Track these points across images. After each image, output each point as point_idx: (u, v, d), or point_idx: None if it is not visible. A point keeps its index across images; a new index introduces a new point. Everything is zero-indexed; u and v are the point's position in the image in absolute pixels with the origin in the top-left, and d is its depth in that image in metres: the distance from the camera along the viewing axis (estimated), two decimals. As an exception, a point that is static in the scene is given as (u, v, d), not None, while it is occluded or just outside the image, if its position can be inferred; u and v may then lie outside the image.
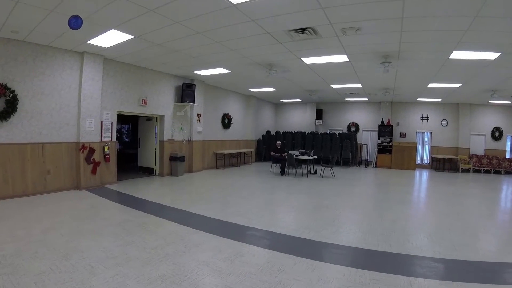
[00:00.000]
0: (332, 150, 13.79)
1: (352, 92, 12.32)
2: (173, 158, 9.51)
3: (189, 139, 10.45)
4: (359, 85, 10.56)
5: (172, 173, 9.57)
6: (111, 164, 7.76)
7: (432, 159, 14.07)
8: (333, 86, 10.91)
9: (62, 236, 3.90)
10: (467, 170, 13.16)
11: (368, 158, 15.06)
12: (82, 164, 6.99)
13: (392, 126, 14.34)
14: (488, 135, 13.63)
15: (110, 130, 7.69)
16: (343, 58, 6.93)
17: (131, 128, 13.61)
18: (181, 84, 9.70)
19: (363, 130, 15.57)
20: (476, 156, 13.35)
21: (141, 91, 8.61)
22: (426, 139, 14.67)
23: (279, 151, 11.03)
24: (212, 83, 11.30)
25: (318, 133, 15.29)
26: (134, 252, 3.45)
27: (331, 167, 10.46)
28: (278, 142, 11.49)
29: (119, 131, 13.48)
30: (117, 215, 5.07)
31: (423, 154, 14.72)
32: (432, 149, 14.36)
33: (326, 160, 12.74)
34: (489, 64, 6.84)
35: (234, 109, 13.36)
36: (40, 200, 5.86)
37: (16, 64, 5.98)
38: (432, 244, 4.00)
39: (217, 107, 12.18)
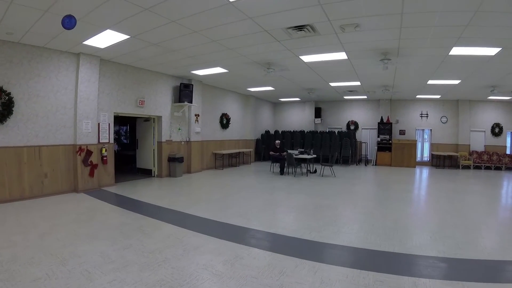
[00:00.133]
0: (331, 148, 13.72)
1: (351, 90, 12.25)
2: (172, 159, 9.43)
3: (187, 140, 10.37)
4: (358, 83, 10.50)
5: (171, 174, 9.50)
6: (109, 166, 7.67)
7: (432, 156, 14.02)
8: (332, 84, 10.84)
9: (58, 241, 3.83)
10: (467, 167, 13.12)
11: (368, 156, 15.00)
12: (80, 167, 6.91)
13: (391, 123, 14.28)
14: (488, 131, 13.60)
15: (107, 132, 7.61)
16: (342, 55, 6.86)
17: (129, 129, 13.51)
18: (179, 84, 9.62)
19: (362, 128, 15.51)
20: (477, 152, 13.31)
21: (138, 92, 8.53)
22: (425, 136, 14.62)
23: (278, 151, 10.97)
24: (210, 83, 11.22)
25: (317, 131, 15.24)
26: (131, 256, 3.38)
27: (331, 166, 10.40)
28: (277, 141, 11.42)
29: (117, 133, 13.40)
30: (114, 218, 4.99)
31: (423, 151, 14.66)
32: (432, 146, 14.31)
33: (325, 159, 12.67)
34: (489, 60, 6.78)
35: (233, 108, 13.29)
36: (37, 204, 5.78)
37: (11, 66, 5.90)
38: (435, 243, 3.93)
39: (215, 107, 12.11)
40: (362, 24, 4.89)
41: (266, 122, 16.76)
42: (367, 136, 15.38)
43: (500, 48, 5.96)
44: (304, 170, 10.71)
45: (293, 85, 11.32)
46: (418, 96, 13.47)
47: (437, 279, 2.91)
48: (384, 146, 13.99)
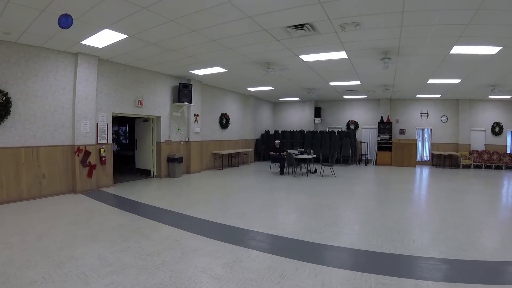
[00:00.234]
0: (331, 148, 13.67)
1: (351, 90, 12.21)
2: (171, 160, 9.38)
3: (187, 140, 10.31)
4: (358, 82, 10.45)
5: (170, 174, 9.45)
6: (108, 166, 7.62)
7: (432, 155, 13.98)
8: (332, 83, 10.79)
9: (56, 243, 3.79)
10: (468, 166, 13.08)
11: (368, 155, 14.96)
12: (78, 167, 6.85)
13: (391, 123, 14.23)
14: (488, 131, 13.56)
15: (106, 132, 7.55)
16: (342, 54, 6.81)
17: (128, 129, 13.47)
18: (178, 84, 9.56)
19: (362, 128, 15.46)
20: (477, 151, 13.27)
21: (137, 92, 8.48)
22: (426, 135, 14.58)
23: (278, 151, 10.92)
24: (209, 83, 11.16)
25: (317, 131, 15.19)
26: (129, 259, 3.33)
27: (331, 166, 10.35)
28: (277, 141, 11.37)
29: (116, 133, 13.36)
30: (112, 220, 4.94)
31: (423, 150, 14.62)
32: (432, 145, 14.27)
33: (325, 158, 12.62)
34: (490, 59, 6.74)
35: (232, 108, 13.23)
36: (35, 205, 5.73)
37: (8, 66, 5.85)
38: (437, 244, 3.89)
39: (215, 107, 12.05)
40: (362, 22, 4.84)
41: (266, 122, 16.71)
42: (367, 136, 15.33)
43: (501, 47, 5.92)
44: (304, 170, 10.65)
45: (292, 85, 11.27)
46: (418, 96, 13.43)
47: (440, 281, 2.87)
48: (384, 146, 13.95)
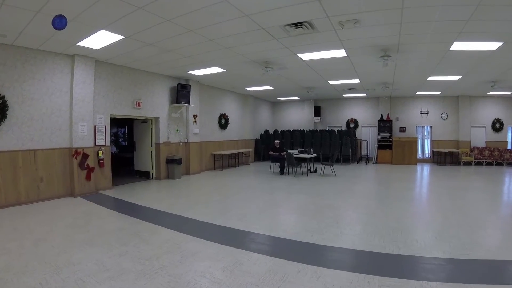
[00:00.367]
0: (331, 147, 13.61)
1: (350, 88, 12.15)
2: (170, 161, 9.31)
3: (186, 141, 10.25)
4: (358, 81, 10.39)
5: (169, 176, 9.38)
6: (106, 169, 7.56)
7: (433, 153, 13.94)
8: (331, 82, 10.73)
9: (53, 248, 3.73)
10: (468, 163, 13.03)
11: (368, 154, 14.92)
12: (76, 170, 6.79)
13: (391, 121, 14.18)
14: (489, 127, 13.51)
15: (104, 134, 7.49)
16: (341, 53, 6.75)
17: (127, 131, 13.40)
18: (176, 85, 9.50)
19: (362, 126, 15.41)
20: (478, 148, 13.22)
21: (135, 93, 8.41)
22: (426, 133, 14.53)
23: (278, 150, 10.85)
24: (207, 83, 11.10)
25: (316, 130, 15.13)
26: (127, 264, 3.27)
27: (331, 165, 10.29)
28: (276, 141, 11.30)
29: (115, 135, 13.30)
30: (111, 223, 4.87)
31: (424, 148, 14.58)
32: (433, 143, 14.22)
33: (326, 157, 12.56)
34: (490, 55, 6.68)
35: (231, 109, 13.17)
36: (33, 209, 5.67)
37: (4, 69, 5.80)
38: (441, 244, 3.82)
39: (214, 107, 11.99)
40: (361, 20, 4.78)
41: (265, 121, 16.64)
42: (367, 134, 15.28)
43: (502, 43, 5.86)
44: (304, 170, 10.59)
45: (291, 84, 11.21)
46: (418, 93, 13.37)
47: (445, 282, 2.81)
48: (384, 144, 13.88)
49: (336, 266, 3.19)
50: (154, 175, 9.41)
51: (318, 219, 5.03)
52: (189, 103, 9.74)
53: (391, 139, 13.79)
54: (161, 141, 9.30)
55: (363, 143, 15.03)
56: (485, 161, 12.93)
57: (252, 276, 2.98)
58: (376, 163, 13.93)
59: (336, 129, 14.87)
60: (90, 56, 6.89)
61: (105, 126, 7.55)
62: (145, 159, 9.60)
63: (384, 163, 13.68)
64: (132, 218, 5.09)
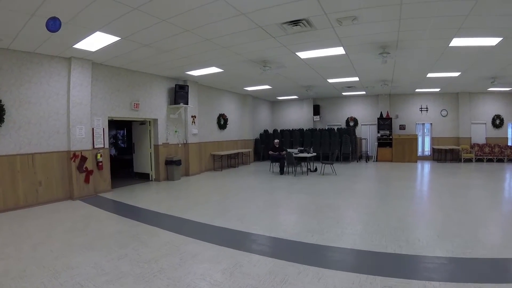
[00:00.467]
0: (331, 146, 13.56)
1: (350, 86, 12.10)
2: (169, 162, 9.26)
3: (185, 142, 10.21)
4: (357, 79, 10.34)
5: (169, 177, 9.34)
6: (105, 171, 7.51)
7: (433, 150, 13.88)
8: (330, 80, 10.68)
9: (52, 252, 3.69)
10: (469, 160, 12.98)
11: (368, 152, 14.86)
12: (74, 173, 6.75)
13: (391, 118, 14.13)
14: (489, 123, 13.46)
15: (102, 137, 7.44)
16: (340, 50, 6.70)
17: (126, 133, 13.35)
18: (174, 86, 9.45)
19: (362, 124, 15.36)
20: (478, 145, 13.17)
21: (133, 95, 8.36)
22: (426, 130, 14.48)
23: (278, 150, 10.81)
24: (205, 83, 11.05)
25: (316, 129, 15.06)
26: (126, 267, 3.22)
27: (331, 164, 10.25)
28: (276, 140, 11.25)
29: (114, 137, 13.25)
30: (110, 226, 4.83)
31: (424, 145, 14.52)
32: (433, 140, 14.17)
33: (325, 156, 12.51)
34: (490, 50, 6.63)
35: (230, 109, 13.12)
36: (32, 213, 5.63)
37: (1, 73, 5.76)
38: (443, 242, 3.78)
39: (212, 108, 11.94)
40: (359, 16, 4.73)
41: (265, 121, 16.60)
42: (367, 132, 15.23)
43: (501, 38, 5.81)
44: (304, 169, 10.55)
45: (290, 83, 11.16)
46: (417, 90, 13.31)
47: (448, 281, 2.76)
48: (384, 142, 13.83)
49: (338, 267, 3.14)
50: (154, 177, 9.36)
51: (319, 219, 4.98)
52: (187, 104, 9.69)
53: (391, 137, 13.74)
54: (160, 143, 9.25)
55: (363, 141, 14.98)
56: (486, 158, 12.88)
57: (252, 278, 2.93)
58: (376, 161, 13.89)
59: (335, 128, 14.82)
60: (87, 58, 6.85)
61: (103, 129, 7.50)
62: (144, 160, 9.56)
63: (384, 161, 13.63)
64: (131, 221, 5.05)
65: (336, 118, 15.85)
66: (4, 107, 5.73)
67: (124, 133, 13.53)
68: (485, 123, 13.50)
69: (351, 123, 15.38)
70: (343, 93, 14.24)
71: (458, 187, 7.67)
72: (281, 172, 10.24)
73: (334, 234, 4.20)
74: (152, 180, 9.35)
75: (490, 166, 11.59)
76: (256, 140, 15.17)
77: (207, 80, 10.26)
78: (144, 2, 4.09)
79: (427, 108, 14.21)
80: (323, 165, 10.58)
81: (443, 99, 13.95)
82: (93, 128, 7.22)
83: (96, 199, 6.80)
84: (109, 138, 8.11)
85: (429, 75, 9.56)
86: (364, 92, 13.96)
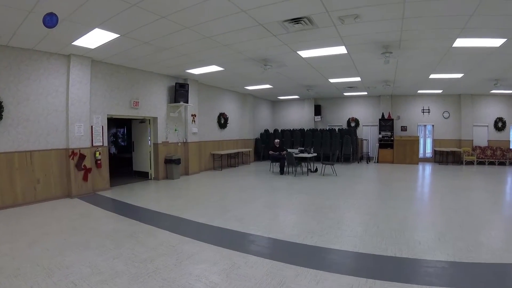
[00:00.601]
0: (332, 146, 13.49)
1: (351, 86, 12.02)
2: (168, 161, 9.21)
3: (184, 141, 10.15)
4: (358, 79, 10.26)
5: (168, 176, 9.29)
6: (103, 170, 7.46)
7: (435, 152, 13.79)
8: (331, 80, 10.61)
9: (47, 250, 3.64)
10: (471, 163, 12.88)
11: (369, 153, 14.79)
12: (73, 171, 6.70)
13: (392, 120, 14.04)
14: (491, 126, 13.34)
15: (101, 135, 7.40)
16: (341, 49, 6.62)
17: (126, 131, 13.31)
18: (174, 84, 9.39)
19: (363, 125, 15.27)
20: (480, 147, 13.07)
21: (132, 93, 8.31)
22: (428, 132, 14.39)
23: (278, 150, 10.75)
24: (206, 82, 10.99)
25: (317, 129, 14.99)
26: (121, 267, 3.17)
27: (332, 164, 10.18)
28: (276, 140, 11.20)
29: (114, 135, 13.21)
30: (107, 225, 4.77)
31: (426, 147, 14.43)
32: (435, 142, 14.08)
33: (326, 157, 12.44)
34: (493, 52, 6.55)
35: (230, 108, 13.06)
36: (30, 211, 5.59)
37: (-1, 70, 5.71)
38: (444, 246, 3.71)
39: (213, 107, 11.88)
40: (362, 15, 4.65)
41: (265, 121, 16.53)
42: (368, 133, 15.14)
43: (506, 39, 5.73)
44: (305, 169, 10.48)
45: (291, 82, 11.09)
46: (419, 91, 13.22)
47: (449, 286, 2.70)
48: (385, 143, 13.74)
49: (336, 270, 3.08)
50: (153, 176, 9.31)
51: (318, 220, 4.92)
52: (187, 103, 9.64)
53: (392, 138, 13.65)
54: (159, 141, 9.20)
55: (364, 142, 14.90)
56: (488, 161, 12.78)
57: (248, 280, 2.87)
58: (377, 162, 13.81)
59: (336, 128, 14.75)
60: (86, 55, 6.80)
61: (102, 127, 7.46)
62: (143, 159, 9.51)
63: (385, 163, 13.55)
64: (128, 220, 5.00)
65: (337, 119, 15.77)
66: (2, 104, 5.69)
67: (124, 132, 13.49)
68: (487, 126, 13.39)
69: (352, 124, 15.30)
70: (345, 94, 14.16)
71: (460, 189, 7.58)
72: (281, 172, 10.17)
73: (334, 236, 4.14)
74: (151, 178, 9.30)
75: (491, 169, 11.50)
76: (256, 139, 15.10)
77: (207, 78, 10.21)
78: (142, -2, 4.04)
79: (429, 109, 14.12)
80: (324, 165, 10.51)
81: (445, 101, 13.86)
82: (92, 126, 7.18)
83: (94, 197, 6.75)
84: (109, 137, 8.07)
85: (432, 76, 9.48)
86: (365, 93, 13.88)
